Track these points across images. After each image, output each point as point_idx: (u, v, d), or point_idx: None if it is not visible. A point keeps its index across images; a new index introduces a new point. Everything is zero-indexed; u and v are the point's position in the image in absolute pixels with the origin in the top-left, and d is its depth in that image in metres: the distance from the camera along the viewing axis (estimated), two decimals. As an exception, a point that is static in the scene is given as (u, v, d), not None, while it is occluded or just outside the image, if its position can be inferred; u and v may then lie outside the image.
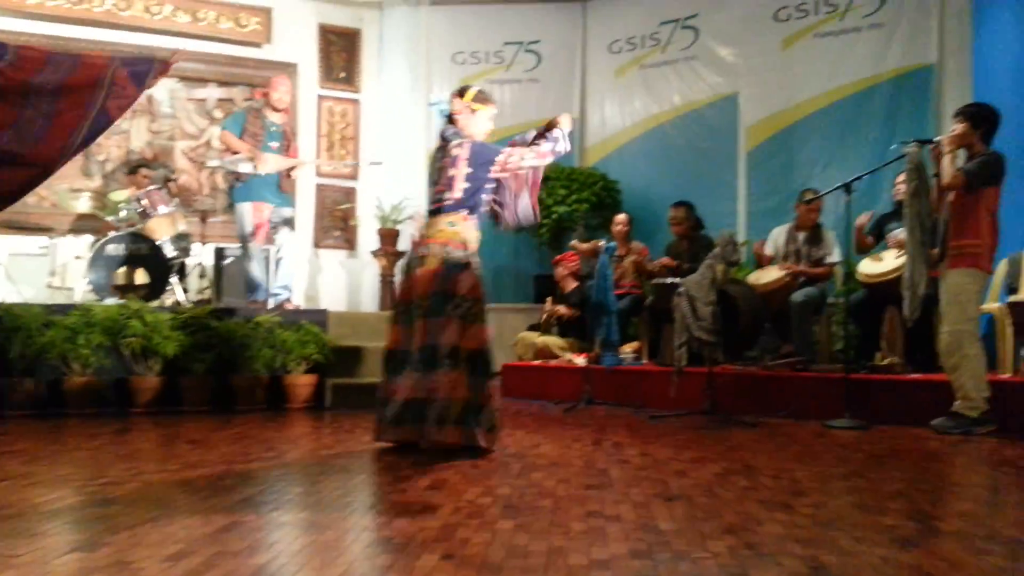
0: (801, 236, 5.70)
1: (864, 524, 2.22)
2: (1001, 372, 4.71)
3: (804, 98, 7.17)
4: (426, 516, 2.25)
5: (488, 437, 3.31)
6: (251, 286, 5.98)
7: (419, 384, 3.31)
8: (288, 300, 6.05)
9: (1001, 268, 5.01)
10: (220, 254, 6.79)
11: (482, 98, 3.65)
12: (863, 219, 5.38)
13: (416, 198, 8.02)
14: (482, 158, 3.49)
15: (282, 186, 5.99)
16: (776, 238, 5.87)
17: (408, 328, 3.42)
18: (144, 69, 3.59)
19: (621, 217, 6.71)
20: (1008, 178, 4.20)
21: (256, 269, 5.93)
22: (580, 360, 5.95)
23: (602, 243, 5.71)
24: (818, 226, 5.70)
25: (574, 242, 6.26)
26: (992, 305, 4.88)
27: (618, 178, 7.78)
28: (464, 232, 3.46)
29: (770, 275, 5.58)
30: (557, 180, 7.48)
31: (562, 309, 6.47)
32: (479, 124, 3.62)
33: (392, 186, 7.94)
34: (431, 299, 3.35)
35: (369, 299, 8.18)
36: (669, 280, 5.55)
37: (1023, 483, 2.88)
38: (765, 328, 5.55)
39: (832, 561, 1.85)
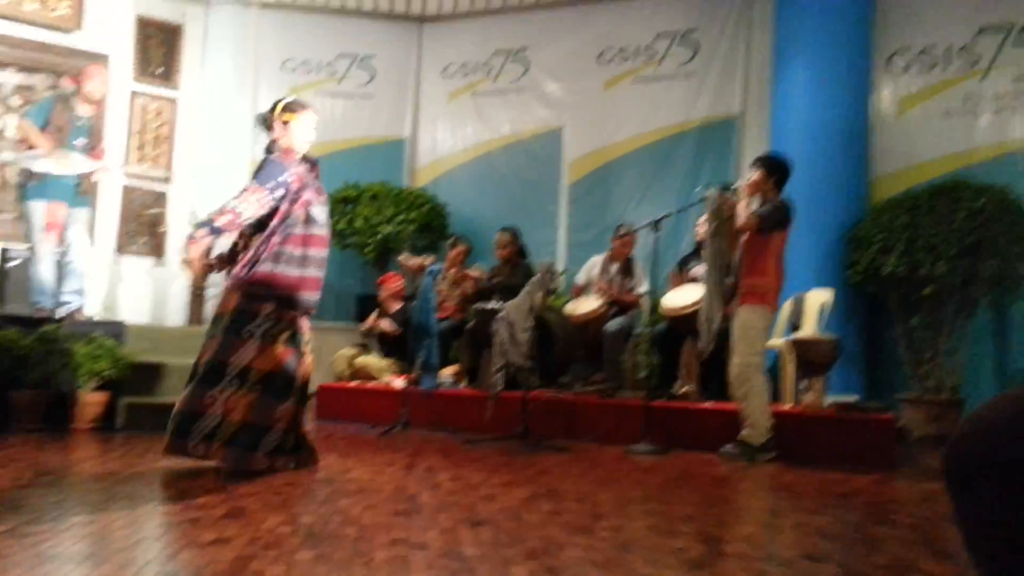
0: (614, 267, 5.99)
1: (657, 547, 2.32)
2: (783, 404, 5.12)
3: (622, 137, 7.57)
4: (219, 547, 2.11)
5: (268, 460, 3.32)
6: (38, 292, 5.43)
7: (191, 397, 3.30)
8: (80, 309, 5.54)
9: (786, 307, 5.49)
10: (4, 255, 6.12)
11: (292, 108, 3.57)
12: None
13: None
14: (258, 170, 3.43)
15: (82, 187, 5.51)
16: (591, 268, 6.13)
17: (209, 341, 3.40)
18: None
19: (462, 247, 6.73)
20: (795, 224, 4.61)
21: (45, 274, 5.40)
22: (398, 382, 5.87)
23: (428, 262, 5.69)
24: (630, 259, 6.01)
25: (402, 257, 6.20)
26: (777, 341, 5.31)
27: (447, 200, 7.82)
28: None
29: (587, 305, 5.79)
30: (385, 199, 7.40)
31: (385, 324, 6.38)
32: (296, 135, 3.55)
33: (210, 192, 7.51)
34: (233, 315, 3.33)
35: (176, 312, 7.67)
36: (490, 306, 5.62)
37: (799, 507, 3.13)
38: (579, 355, 5.75)
39: (624, 586, 1.91)
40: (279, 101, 3.60)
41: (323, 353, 7.50)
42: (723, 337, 4.76)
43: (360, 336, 6.69)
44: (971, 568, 0.71)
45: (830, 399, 4.95)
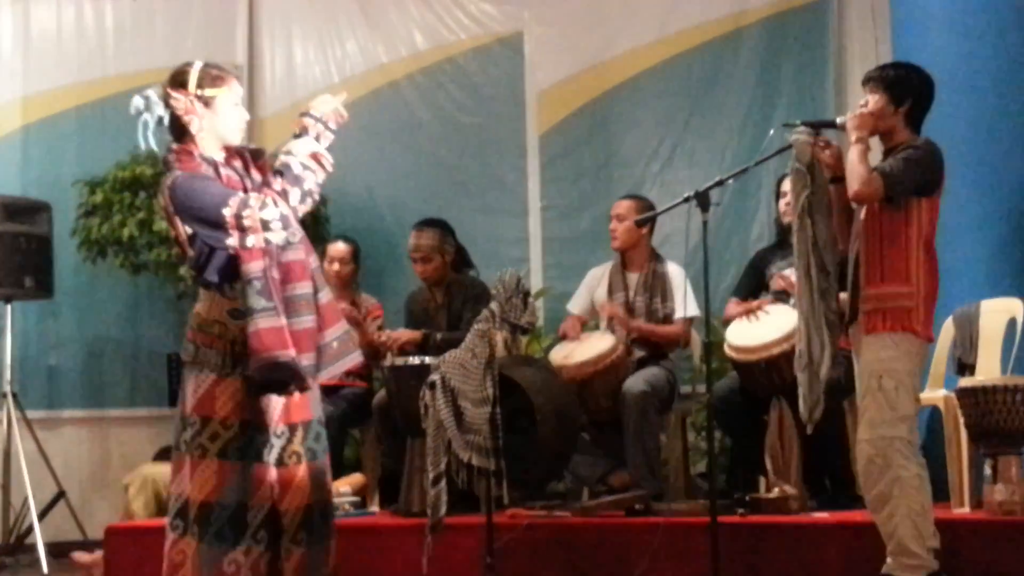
0: (634, 279, 5.92)
1: None
2: (955, 504, 5.10)
3: (624, 49, 7.64)
4: None
5: None
6: None
7: None
8: None
9: (945, 332, 5.46)
10: None
11: (217, 78, 3.72)
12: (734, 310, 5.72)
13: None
14: (187, 203, 3.52)
15: None
16: (593, 283, 6.06)
17: None
18: None
19: (339, 249, 6.61)
20: (948, 188, 4.55)
21: None
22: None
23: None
24: (658, 261, 5.93)
25: None
26: (936, 393, 5.29)
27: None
28: None
29: (591, 349, 5.71)
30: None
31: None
32: (225, 120, 3.73)
33: None
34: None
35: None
36: (414, 360, 5.52)
37: None
38: (581, 441, 5.67)
39: None
40: (186, 67, 3.70)
41: (114, 466, 7.42)
42: (840, 393, 4.71)
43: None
44: None
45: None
